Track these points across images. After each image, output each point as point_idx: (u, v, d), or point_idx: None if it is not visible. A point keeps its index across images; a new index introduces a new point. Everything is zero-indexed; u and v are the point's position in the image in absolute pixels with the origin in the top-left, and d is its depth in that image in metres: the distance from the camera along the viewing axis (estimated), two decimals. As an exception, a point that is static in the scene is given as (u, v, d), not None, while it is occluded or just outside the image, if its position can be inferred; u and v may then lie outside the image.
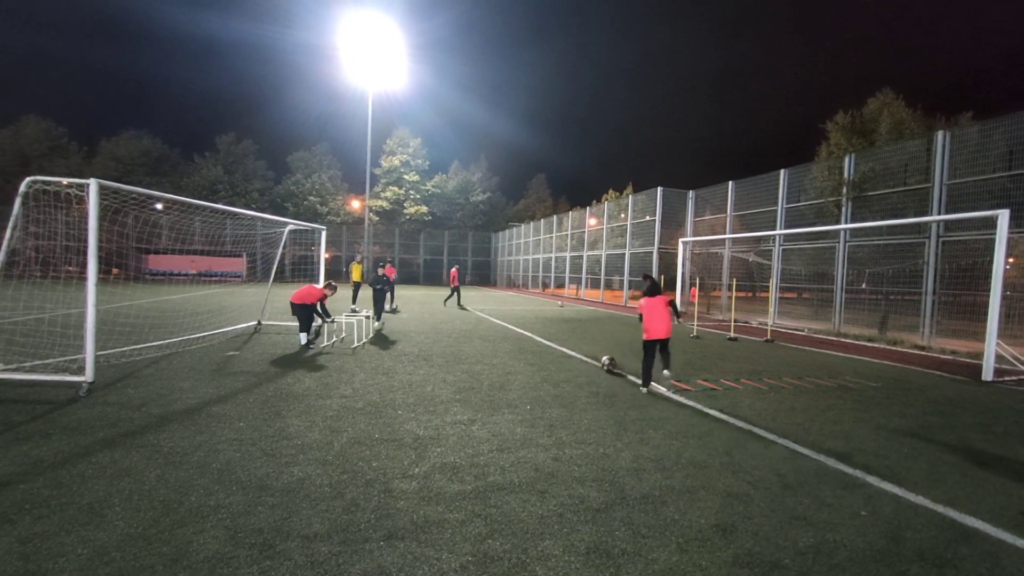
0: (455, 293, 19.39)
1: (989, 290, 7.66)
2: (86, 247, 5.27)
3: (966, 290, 10.32)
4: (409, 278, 44.60)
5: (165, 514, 2.81)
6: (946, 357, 9.68)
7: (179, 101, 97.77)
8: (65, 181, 5.72)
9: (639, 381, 6.34)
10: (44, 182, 5.57)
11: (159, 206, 9.32)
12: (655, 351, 6.18)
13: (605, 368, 7.35)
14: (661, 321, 6.11)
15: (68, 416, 4.45)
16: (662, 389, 6.17)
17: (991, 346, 7.53)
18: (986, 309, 7.73)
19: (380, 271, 12.34)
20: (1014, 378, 7.53)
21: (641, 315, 6.25)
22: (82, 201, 5.55)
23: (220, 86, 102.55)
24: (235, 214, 10.35)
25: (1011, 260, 9.62)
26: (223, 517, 2.80)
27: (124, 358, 6.85)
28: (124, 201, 6.93)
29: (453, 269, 20.41)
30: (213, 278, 31.17)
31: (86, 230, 5.30)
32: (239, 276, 32.89)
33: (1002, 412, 5.71)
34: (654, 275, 19.39)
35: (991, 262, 7.71)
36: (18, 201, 5.38)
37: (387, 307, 15.87)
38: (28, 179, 5.48)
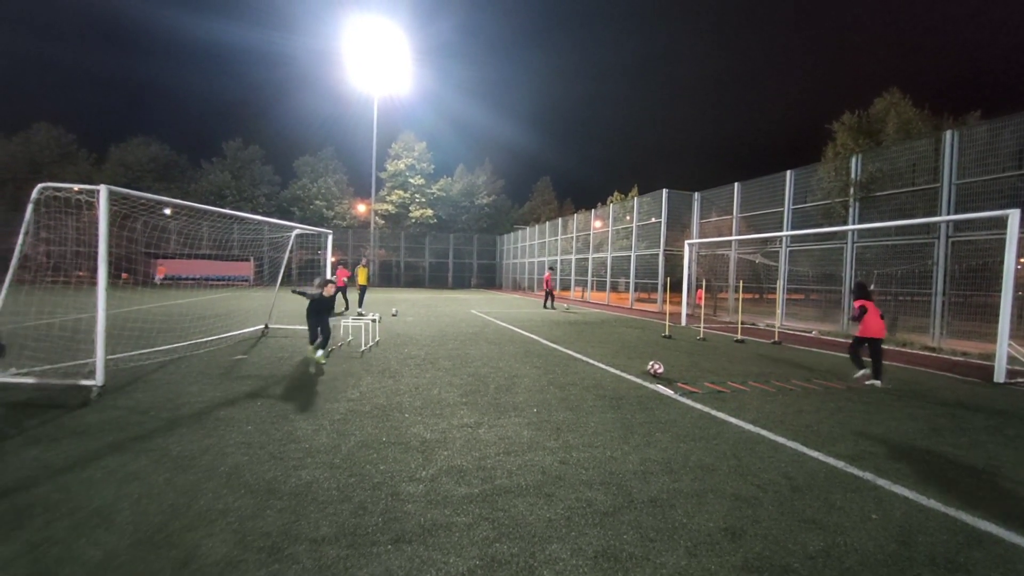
0: (549, 297, 19.81)
1: (1000, 291, 7.57)
2: (96, 252, 5.33)
3: (977, 291, 10.20)
4: (415, 281, 44.75)
5: (173, 518, 2.82)
6: (957, 359, 9.57)
7: (186, 107, 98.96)
8: (76, 187, 5.79)
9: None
10: (55, 188, 5.65)
11: (167, 211, 9.42)
12: (876, 346, 6.85)
13: (652, 373, 7.07)
14: (879, 321, 6.81)
15: (78, 420, 4.49)
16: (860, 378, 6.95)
17: (1003, 347, 7.43)
18: (997, 310, 7.64)
19: (325, 280, 7.86)
20: (1027, 379, 7.43)
21: (864, 310, 6.84)
22: (92, 207, 5.61)
23: (226, 92, 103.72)
24: (242, 219, 10.43)
25: (1022, 260, 9.50)
26: (231, 521, 2.81)
27: (133, 362, 6.91)
28: (133, 207, 7.00)
29: (546, 273, 20.52)
30: (216, 283, 31.21)
31: (96, 235, 5.36)
32: (246, 280, 33.14)
33: (1014, 414, 5.64)
34: (660, 278, 19.40)
35: (1002, 262, 7.62)
36: (30, 207, 5.45)
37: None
38: (40, 185, 5.55)
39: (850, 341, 7.29)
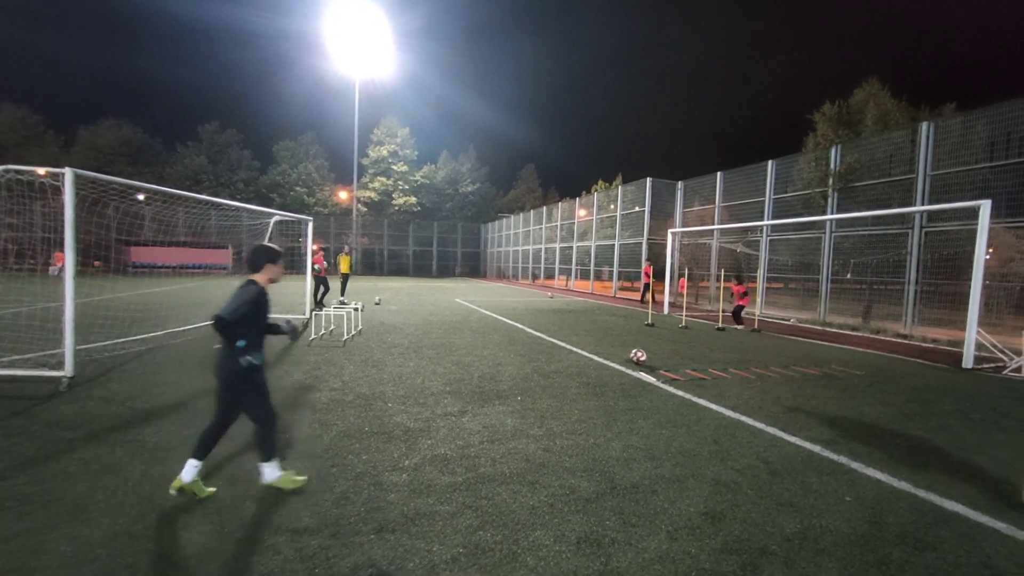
0: (647, 290, 19.46)
1: (970, 280, 7.81)
2: (63, 238, 5.14)
3: (947, 279, 10.51)
4: (399, 269, 44.34)
5: (151, 510, 2.77)
6: (927, 345, 9.88)
7: (160, 89, 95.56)
8: (41, 171, 5.56)
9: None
10: (18, 171, 5.41)
11: (140, 196, 9.11)
12: (740, 311, 11.87)
13: (635, 360, 7.13)
14: (746, 297, 11.97)
15: (50, 412, 4.36)
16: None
17: (971, 334, 7.69)
18: (967, 298, 7.88)
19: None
20: (992, 365, 7.71)
21: (745, 292, 11.89)
22: (59, 191, 5.39)
23: (202, 74, 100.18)
24: (219, 205, 10.16)
25: (991, 250, 9.80)
26: (210, 512, 2.76)
27: (107, 352, 6.72)
28: (104, 191, 6.75)
29: (646, 265, 20.00)
30: (193, 270, 30.25)
31: (64, 221, 5.16)
32: (225, 268, 32.45)
33: (980, 399, 5.85)
34: (643, 267, 19.56)
35: (972, 252, 7.84)
36: (-8, 191, 5.22)
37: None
38: (1, 168, 5.31)
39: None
